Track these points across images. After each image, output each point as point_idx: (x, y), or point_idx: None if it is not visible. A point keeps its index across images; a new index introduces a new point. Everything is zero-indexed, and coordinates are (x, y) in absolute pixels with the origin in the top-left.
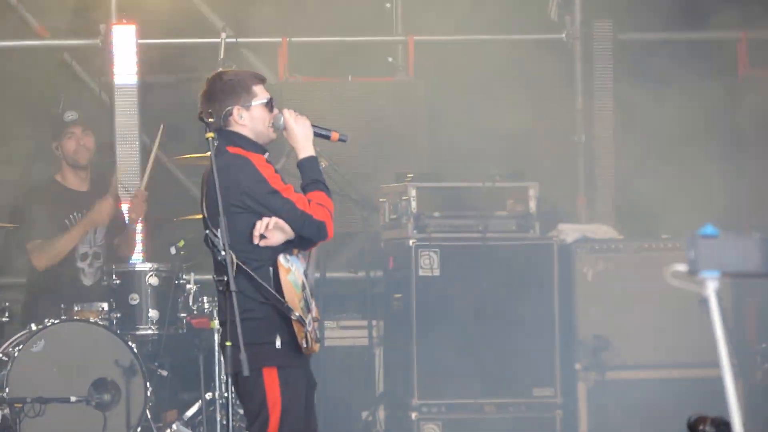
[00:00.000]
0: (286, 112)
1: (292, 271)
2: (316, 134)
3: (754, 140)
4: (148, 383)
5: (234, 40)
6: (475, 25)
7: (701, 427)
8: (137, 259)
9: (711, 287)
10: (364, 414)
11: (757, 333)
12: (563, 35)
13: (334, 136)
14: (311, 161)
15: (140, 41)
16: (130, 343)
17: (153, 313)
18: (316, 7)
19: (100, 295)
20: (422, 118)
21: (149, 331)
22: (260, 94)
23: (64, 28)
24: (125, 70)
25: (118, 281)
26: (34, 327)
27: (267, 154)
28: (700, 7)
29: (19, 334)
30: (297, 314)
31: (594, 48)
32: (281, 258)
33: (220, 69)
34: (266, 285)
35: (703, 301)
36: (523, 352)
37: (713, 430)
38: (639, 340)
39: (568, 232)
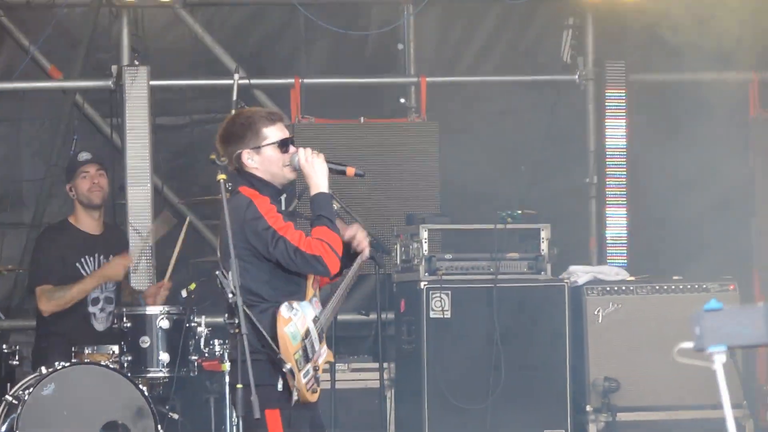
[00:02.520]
0: (301, 150)
1: (293, 321)
2: (331, 170)
3: (764, 181)
4: (159, 426)
5: (247, 81)
6: (488, 66)
7: None
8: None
9: (718, 362)
10: None
11: (767, 373)
12: (576, 76)
13: (350, 171)
14: (320, 197)
15: (152, 83)
16: (140, 386)
17: (164, 356)
18: (328, 49)
19: (111, 338)
20: (434, 159)
21: (160, 374)
22: (271, 136)
23: (77, 69)
24: (137, 112)
25: (128, 324)
26: (44, 370)
27: (284, 195)
28: (710, 48)
29: (29, 378)
30: (288, 366)
31: (606, 89)
32: (283, 307)
33: (234, 110)
34: (264, 332)
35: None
36: (534, 393)
37: None
38: (650, 382)
39: (580, 274)
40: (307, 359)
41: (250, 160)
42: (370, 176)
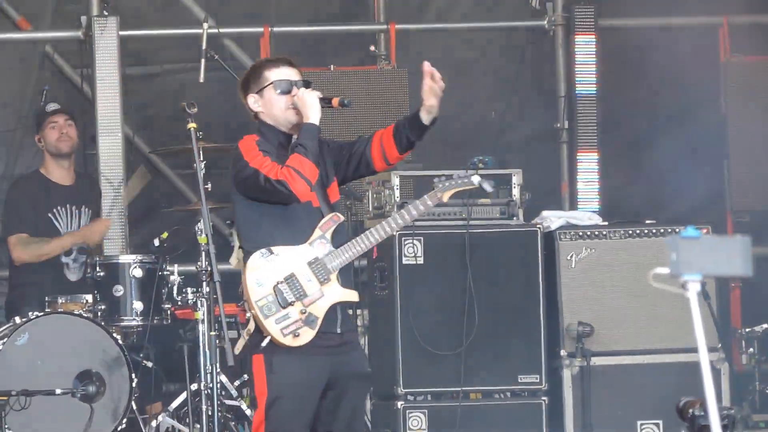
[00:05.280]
0: (301, 90)
1: (262, 268)
2: (322, 105)
3: (737, 125)
4: (133, 374)
5: (216, 30)
6: (457, 13)
7: (691, 411)
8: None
9: (693, 290)
10: None
11: (741, 318)
12: (545, 22)
13: (335, 101)
14: (305, 127)
15: (122, 33)
16: (114, 334)
17: (137, 305)
18: None
19: (84, 288)
20: (404, 107)
21: (134, 323)
22: (272, 78)
23: (46, 20)
24: (107, 63)
25: (102, 273)
26: (18, 320)
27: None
28: None
29: (3, 328)
30: (249, 314)
31: (575, 34)
32: (255, 254)
33: (204, 60)
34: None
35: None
36: (507, 339)
37: (702, 413)
38: (624, 327)
39: (552, 219)
40: (283, 304)
41: (256, 104)
42: (340, 123)
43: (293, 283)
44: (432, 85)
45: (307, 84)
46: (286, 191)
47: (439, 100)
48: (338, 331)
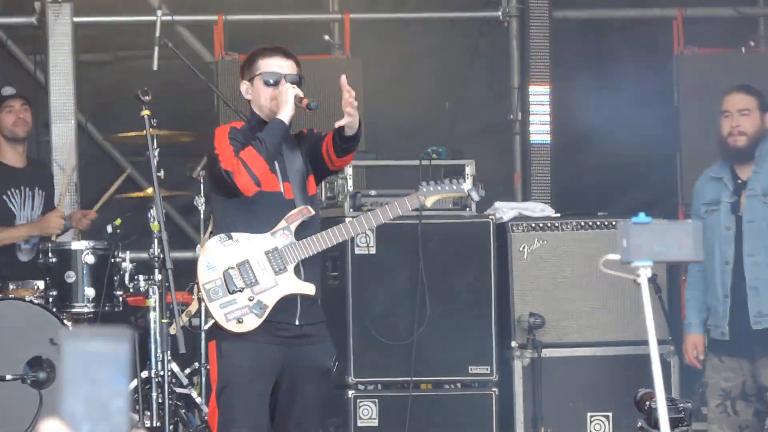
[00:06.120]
0: (285, 85)
1: (214, 251)
2: (295, 104)
3: (689, 118)
4: None
5: (170, 17)
6: (412, 2)
7: (648, 403)
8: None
9: (644, 276)
10: None
11: None
12: (499, 13)
13: (303, 102)
14: (272, 122)
15: (76, 19)
16: (65, 321)
17: (89, 291)
18: None
19: (35, 273)
20: (358, 97)
21: (85, 309)
22: (262, 68)
23: None
24: (61, 49)
25: (53, 259)
26: None
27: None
28: None
29: None
30: (196, 296)
31: (530, 26)
32: (213, 238)
33: (157, 47)
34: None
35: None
36: (459, 330)
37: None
38: (575, 318)
39: (505, 210)
40: (231, 289)
41: (247, 92)
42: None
43: (245, 270)
44: (349, 100)
45: (298, 81)
46: (230, 182)
47: (356, 115)
48: (296, 323)
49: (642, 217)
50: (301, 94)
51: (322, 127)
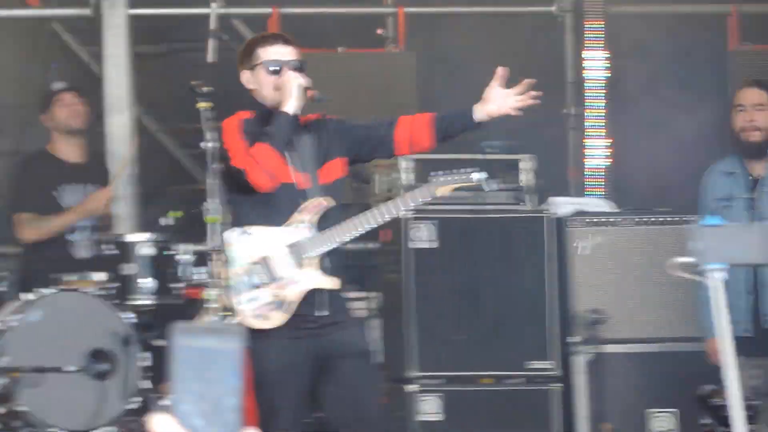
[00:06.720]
0: (289, 74)
1: (233, 246)
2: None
3: None
4: (144, 353)
5: (225, 10)
6: None
7: (713, 400)
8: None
9: (718, 279)
10: None
11: None
12: (553, 8)
13: (309, 93)
14: (279, 116)
15: (131, 11)
16: (125, 313)
17: (149, 284)
18: None
19: (93, 265)
20: (412, 91)
21: (145, 302)
22: (263, 56)
23: None
24: (116, 40)
25: (113, 251)
26: (31, 297)
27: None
28: None
29: (15, 304)
30: (213, 294)
31: (584, 20)
32: (228, 232)
33: (211, 40)
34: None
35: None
36: (518, 325)
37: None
38: (634, 314)
39: (560, 205)
40: (254, 285)
41: (249, 82)
42: (348, 106)
43: (266, 266)
44: (527, 101)
45: (300, 66)
46: (243, 180)
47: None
48: (316, 314)
49: (710, 218)
50: (306, 84)
51: (372, 114)
